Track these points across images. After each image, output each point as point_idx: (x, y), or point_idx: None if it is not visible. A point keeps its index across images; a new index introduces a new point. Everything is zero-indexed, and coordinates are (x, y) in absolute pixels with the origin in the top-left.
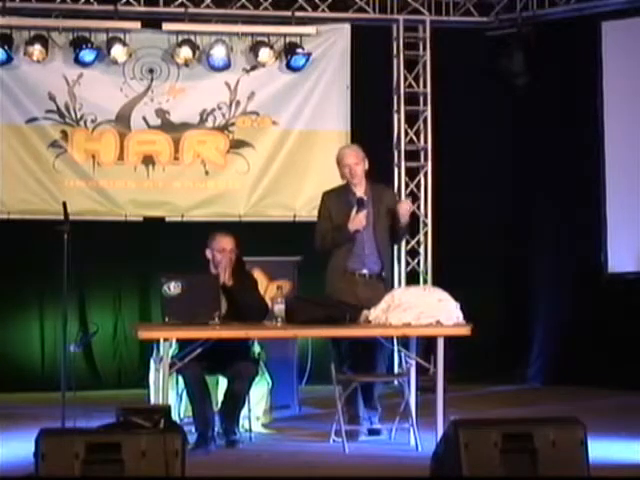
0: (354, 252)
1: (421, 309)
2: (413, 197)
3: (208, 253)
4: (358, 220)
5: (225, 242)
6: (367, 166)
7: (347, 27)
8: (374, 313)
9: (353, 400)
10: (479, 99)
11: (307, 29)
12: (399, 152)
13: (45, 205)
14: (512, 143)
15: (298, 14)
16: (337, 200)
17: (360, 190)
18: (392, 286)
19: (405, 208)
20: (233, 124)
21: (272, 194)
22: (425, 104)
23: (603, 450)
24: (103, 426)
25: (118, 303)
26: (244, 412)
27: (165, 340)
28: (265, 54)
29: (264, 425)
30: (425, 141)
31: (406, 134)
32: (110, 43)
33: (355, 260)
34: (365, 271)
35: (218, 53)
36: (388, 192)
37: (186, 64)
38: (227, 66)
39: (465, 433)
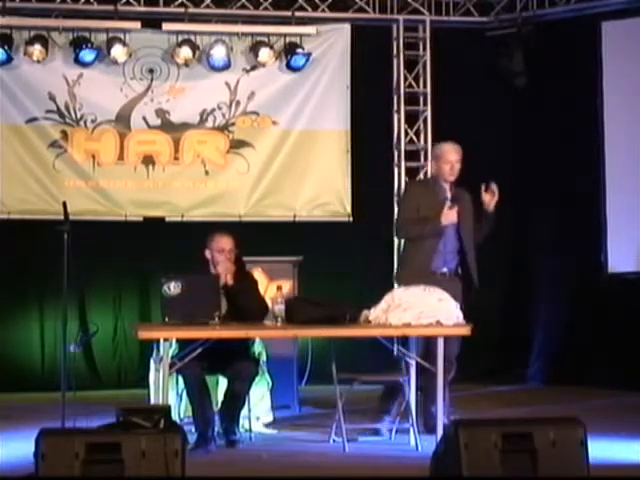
0: (436, 249)
1: (421, 309)
2: None
3: (207, 254)
4: (451, 215)
5: (224, 242)
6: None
7: (347, 27)
8: (374, 313)
9: (394, 397)
10: (479, 99)
11: (307, 29)
12: (399, 152)
13: (45, 205)
14: (512, 143)
15: (298, 14)
16: (425, 192)
17: (446, 188)
18: (474, 285)
19: (489, 197)
20: (233, 124)
21: (272, 194)
22: (425, 104)
23: (603, 450)
24: (103, 426)
25: (118, 303)
26: (244, 412)
27: (165, 340)
28: (265, 54)
29: (264, 425)
30: (425, 141)
31: (406, 134)
32: (110, 43)
33: (436, 259)
34: (445, 270)
35: (218, 53)
36: (467, 196)
37: (186, 64)
38: (227, 66)
39: (465, 433)
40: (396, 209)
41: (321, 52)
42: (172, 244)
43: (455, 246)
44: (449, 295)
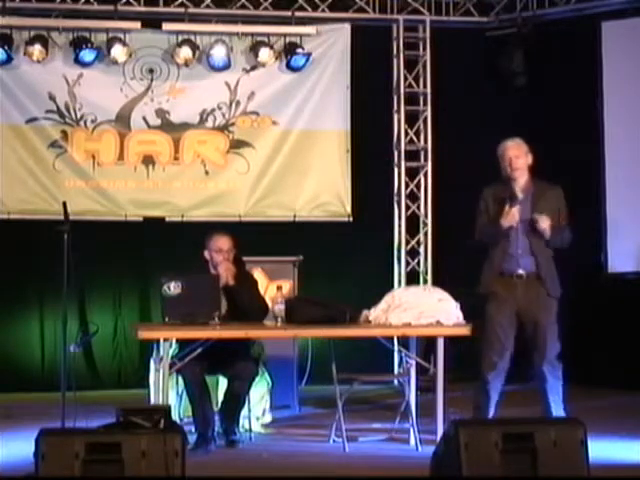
0: (508, 252)
1: (421, 309)
2: (413, 197)
3: (206, 254)
4: (511, 216)
5: (222, 242)
6: (531, 160)
7: (347, 27)
8: (374, 313)
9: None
10: (479, 99)
11: (307, 29)
12: (399, 152)
13: (45, 205)
14: None
15: (298, 14)
16: (494, 195)
17: (519, 185)
18: (551, 285)
19: (540, 226)
20: (233, 124)
21: (272, 194)
22: (425, 104)
23: (603, 450)
24: (103, 426)
25: (118, 303)
26: (244, 412)
27: (165, 340)
28: (265, 54)
29: (264, 425)
30: (425, 141)
31: (406, 134)
32: (110, 43)
33: (509, 261)
34: (521, 271)
35: (218, 53)
36: (553, 190)
37: (186, 64)
38: (227, 66)
39: (465, 433)
40: (396, 210)
41: (321, 52)
42: (172, 244)
43: (528, 246)
44: (446, 296)
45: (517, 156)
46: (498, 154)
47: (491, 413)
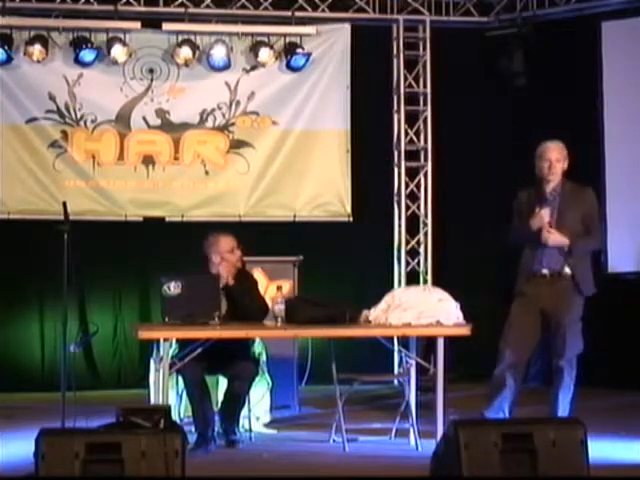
0: (535, 253)
1: (421, 309)
2: (413, 197)
3: (209, 254)
4: (539, 217)
5: (222, 242)
6: (566, 165)
7: (347, 27)
8: (374, 313)
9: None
10: (479, 99)
11: (307, 29)
12: (399, 152)
13: (45, 205)
14: (512, 143)
15: (298, 14)
16: (528, 197)
17: (551, 187)
18: (583, 287)
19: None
20: (233, 124)
21: (272, 194)
22: (425, 104)
23: (603, 450)
24: (103, 426)
25: (118, 303)
26: (244, 412)
27: (165, 340)
28: (265, 54)
29: (264, 425)
30: (425, 141)
31: (406, 134)
32: (110, 43)
33: (535, 261)
34: (545, 271)
35: (218, 53)
36: (583, 193)
37: (186, 64)
38: (227, 66)
39: (465, 433)
40: (396, 210)
41: (321, 52)
42: (172, 244)
43: (556, 246)
44: (446, 296)
45: (558, 160)
46: (537, 154)
47: (500, 407)
